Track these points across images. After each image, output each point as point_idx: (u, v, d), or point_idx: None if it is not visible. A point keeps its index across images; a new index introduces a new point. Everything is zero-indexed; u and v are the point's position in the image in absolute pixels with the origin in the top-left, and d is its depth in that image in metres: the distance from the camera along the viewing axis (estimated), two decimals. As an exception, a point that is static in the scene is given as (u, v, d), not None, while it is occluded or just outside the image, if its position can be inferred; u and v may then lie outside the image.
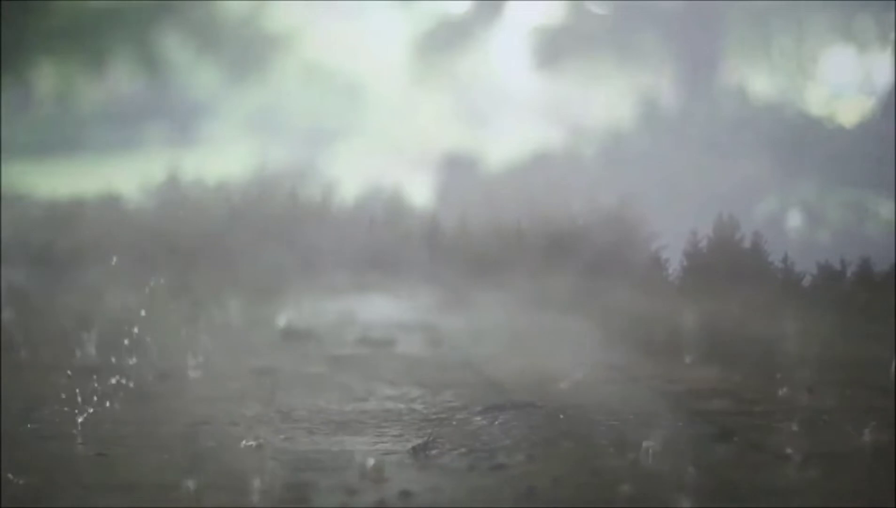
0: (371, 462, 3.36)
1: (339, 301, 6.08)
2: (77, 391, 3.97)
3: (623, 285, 5.70)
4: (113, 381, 4.34)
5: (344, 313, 5.85)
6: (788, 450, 3.54)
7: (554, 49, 7.16)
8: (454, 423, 3.89)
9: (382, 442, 3.67)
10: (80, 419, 3.84)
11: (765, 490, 3.16)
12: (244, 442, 3.58)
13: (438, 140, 7.02)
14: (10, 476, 3.17)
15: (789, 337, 5.16)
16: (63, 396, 4.01)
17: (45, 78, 7.08)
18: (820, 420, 3.90)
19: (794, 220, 6.31)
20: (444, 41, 7.16)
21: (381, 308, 6.02)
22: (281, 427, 3.80)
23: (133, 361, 4.72)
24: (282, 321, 5.67)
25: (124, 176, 6.77)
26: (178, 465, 3.38)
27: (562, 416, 3.91)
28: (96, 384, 4.09)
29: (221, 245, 6.19)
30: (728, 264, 5.60)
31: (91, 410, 3.97)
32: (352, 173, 6.78)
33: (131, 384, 4.35)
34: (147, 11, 7.08)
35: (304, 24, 7.19)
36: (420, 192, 6.70)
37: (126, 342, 5.05)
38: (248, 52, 7.11)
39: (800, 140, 6.43)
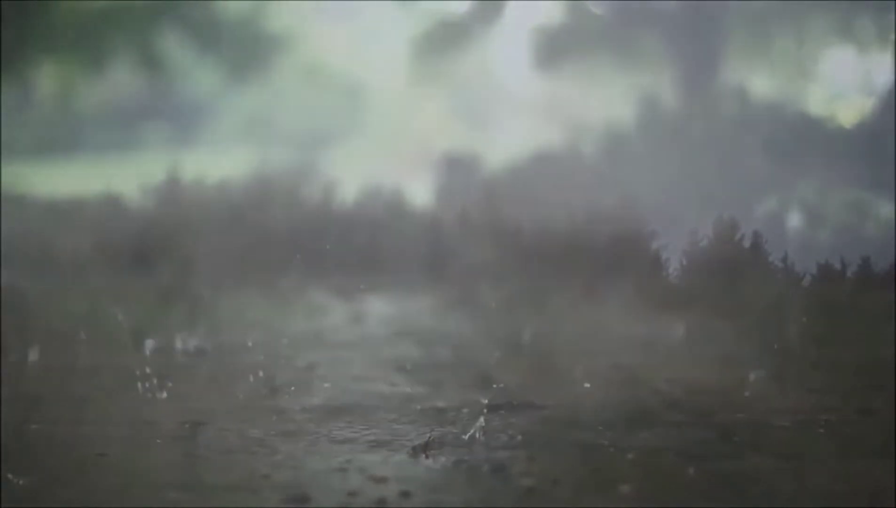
0: (371, 461, 3.36)
1: (340, 301, 6.08)
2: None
3: (623, 284, 5.70)
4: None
5: (344, 313, 5.85)
6: (788, 450, 3.55)
7: (554, 49, 7.15)
8: (454, 423, 3.89)
9: (382, 442, 3.67)
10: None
11: (765, 490, 3.16)
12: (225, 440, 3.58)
13: (438, 140, 7.00)
14: (9, 476, 3.17)
15: (789, 337, 5.16)
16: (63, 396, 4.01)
17: (45, 78, 7.07)
18: (821, 420, 3.90)
19: (794, 220, 6.30)
20: (444, 41, 7.14)
21: (382, 308, 6.02)
22: (276, 427, 3.80)
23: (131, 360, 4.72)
24: (282, 321, 5.67)
25: (124, 176, 6.76)
26: (179, 463, 3.39)
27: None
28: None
29: (221, 245, 6.19)
30: (728, 264, 5.60)
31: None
32: (352, 174, 6.78)
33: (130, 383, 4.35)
34: (147, 11, 7.07)
35: (304, 25, 7.18)
36: (420, 192, 6.70)
37: (126, 340, 5.05)
38: (248, 53, 7.10)
39: (800, 140, 6.43)
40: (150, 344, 5.02)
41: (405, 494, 3.10)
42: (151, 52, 7.04)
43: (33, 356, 4.90)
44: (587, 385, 4.48)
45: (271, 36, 7.13)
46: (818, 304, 5.44)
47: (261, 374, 4.59)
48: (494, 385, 4.43)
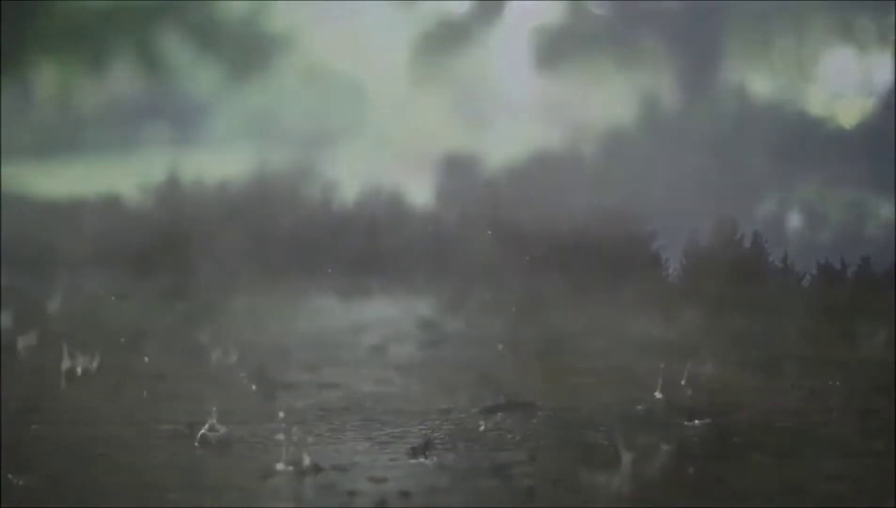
0: (371, 461, 3.37)
1: (339, 302, 6.08)
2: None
3: (623, 284, 5.70)
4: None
5: (344, 313, 5.85)
6: (788, 450, 3.55)
7: (554, 49, 7.15)
8: (454, 423, 3.89)
9: (382, 443, 3.67)
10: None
11: (764, 491, 3.16)
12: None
13: (438, 140, 7.00)
14: (10, 476, 3.17)
15: (789, 337, 5.16)
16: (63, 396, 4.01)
17: (45, 78, 7.07)
18: (821, 420, 3.90)
19: (794, 220, 6.30)
20: (444, 41, 7.15)
21: (382, 309, 6.02)
22: (276, 428, 3.80)
23: (131, 360, 4.72)
24: (282, 320, 5.67)
25: (124, 176, 6.76)
26: (179, 463, 3.39)
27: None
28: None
29: (221, 245, 6.19)
30: (728, 264, 5.60)
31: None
32: (352, 174, 6.78)
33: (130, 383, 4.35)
34: (147, 11, 7.07)
35: (304, 24, 7.18)
36: (420, 192, 6.70)
37: (126, 340, 5.05)
38: (248, 52, 7.10)
39: (800, 140, 6.43)
40: (149, 344, 5.02)
41: (405, 494, 3.10)
42: (151, 52, 7.05)
43: (33, 355, 4.90)
44: (587, 385, 4.48)
45: (271, 36, 7.13)
46: (818, 304, 5.44)
47: (260, 374, 4.59)
48: (494, 385, 4.43)
